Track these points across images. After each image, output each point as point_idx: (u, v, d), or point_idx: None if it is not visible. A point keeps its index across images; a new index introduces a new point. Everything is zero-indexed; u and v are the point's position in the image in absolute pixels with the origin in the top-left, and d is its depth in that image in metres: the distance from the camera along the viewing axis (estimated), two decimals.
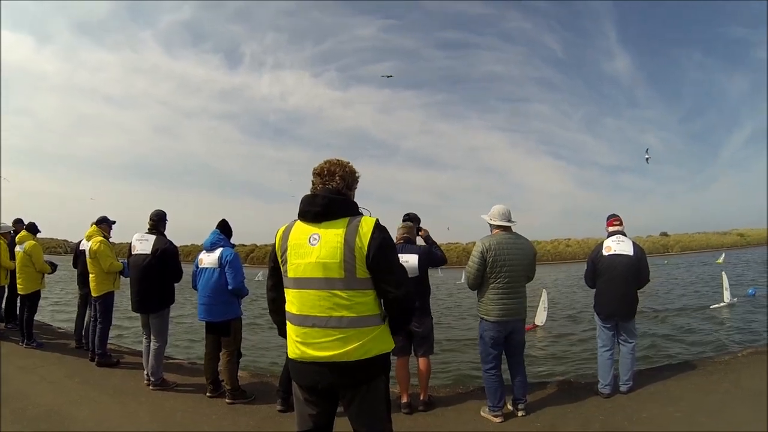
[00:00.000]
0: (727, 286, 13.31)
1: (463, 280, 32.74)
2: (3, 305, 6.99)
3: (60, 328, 7.79)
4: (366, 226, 1.90)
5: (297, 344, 1.95)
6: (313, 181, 2.07)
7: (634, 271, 4.13)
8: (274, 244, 2.06)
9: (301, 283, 1.92)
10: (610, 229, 4.34)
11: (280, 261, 2.02)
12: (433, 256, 4.00)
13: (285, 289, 2.02)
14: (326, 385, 1.93)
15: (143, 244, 4.46)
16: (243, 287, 4.17)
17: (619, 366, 4.19)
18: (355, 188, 2.14)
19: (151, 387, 4.47)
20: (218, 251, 4.15)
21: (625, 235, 4.27)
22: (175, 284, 4.66)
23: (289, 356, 2.00)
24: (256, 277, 25.58)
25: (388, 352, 1.99)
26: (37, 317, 6.43)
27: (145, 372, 4.57)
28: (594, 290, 4.39)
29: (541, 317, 10.06)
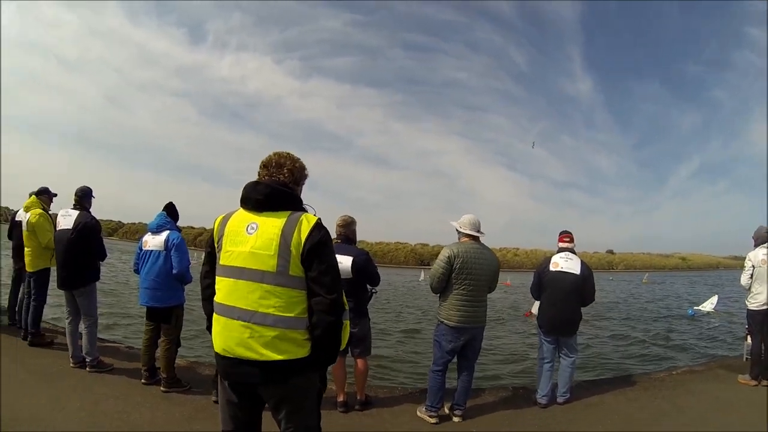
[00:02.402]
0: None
1: (422, 278, 33.41)
2: None
3: None
4: (307, 223, 1.83)
5: (221, 337, 1.86)
6: (259, 172, 2.01)
7: (578, 289, 4.23)
8: (212, 228, 1.99)
9: (232, 272, 1.84)
10: (560, 245, 4.42)
11: (216, 247, 1.95)
12: (371, 270, 3.84)
13: (216, 277, 1.93)
14: (250, 384, 1.85)
15: (66, 219, 4.33)
16: (188, 273, 4.06)
17: (558, 378, 4.30)
18: (303, 185, 2.07)
19: (87, 368, 4.30)
20: (164, 234, 4.02)
21: (575, 253, 4.37)
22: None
23: (214, 349, 1.91)
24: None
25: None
26: None
27: (70, 353, 4.40)
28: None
29: (535, 306, 10.30)
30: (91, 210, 4.47)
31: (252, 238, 1.82)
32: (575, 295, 4.23)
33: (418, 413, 3.80)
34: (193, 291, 3.71)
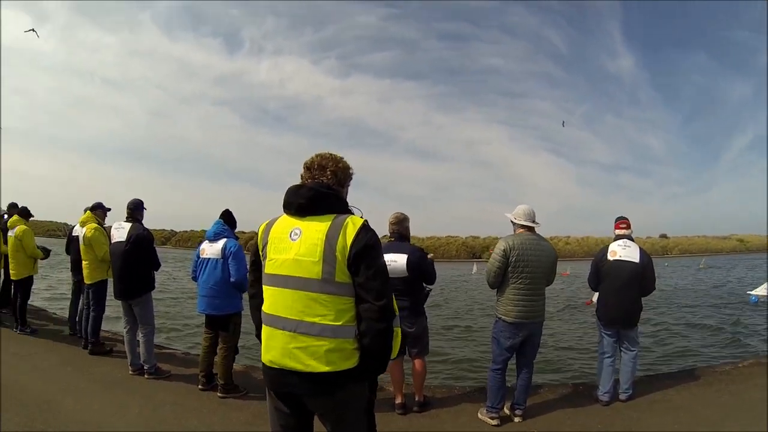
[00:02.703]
0: None
1: (475, 271, 32.91)
2: None
3: (54, 314, 7.76)
4: (352, 226, 1.74)
5: (267, 347, 1.80)
6: (302, 175, 1.94)
7: (638, 278, 4.02)
8: (257, 236, 1.94)
9: (277, 281, 1.78)
10: (617, 232, 4.21)
11: (261, 255, 1.89)
12: (425, 268, 3.77)
13: (263, 286, 1.87)
14: (297, 395, 1.78)
15: (120, 232, 4.46)
16: (246, 281, 4.02)
17: (620, 373, 4.11)
18: (348, 185, 1.99)
19: (146, 375, 4.44)
20: (221, 242, 4.06)
21: (632, 240, 4.16)
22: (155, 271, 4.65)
23: (261, 359, 1.84)
24: None
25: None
26: (33, 302, 6.38)
27: (129, 361, 4.54)
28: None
29: (596, 295, 9.86)
30: (143, 221, 4.59)
31: (296, 244, 1.75)
32: (635, 285, 4.02)
33: (479, 415, 3.71)
34: None
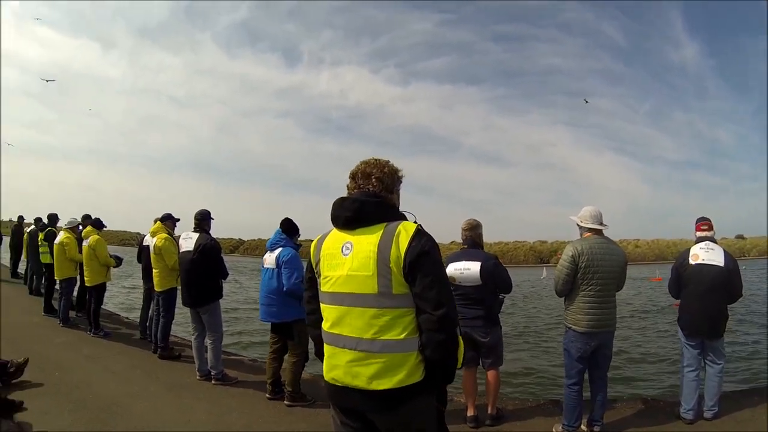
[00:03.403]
0: None
1: (544, 276, 31.97)
2: (75, 294, 7.38)
3: (127, 319, 8.17)
4: (405, 233, 1.64)
5: (328, 365, 1.76)
6: (348, 185, 1.84)
7: (723, 283, 3.70)
8: (309, 253, 1.89)
9: (333, 299, 1.73)
10: (699, 234, 3.91)
11: (315, 272, 1.84)
12: (500, 275, 3.68)
13: (321, 303, 1.82)
14: (361, 411, 1.72)
15: (188, 242, 4.57)
16: (298, 288, 3.95)
17: (704, 389, 3.79)
18: (398, 190, 1.87)
19: (213, 381, 4.55)
20: (277, 251, 4.11)
21: (716, 242, 3.85)
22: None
23: (324, 376, 1.79)
24: None
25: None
26: (107, 307, 6.73)
27: (197, 366, 4.67)
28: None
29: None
30: (210, 231, 4.70)
31: (348, 259, 1.68)
32: (720, 291, 3.71)
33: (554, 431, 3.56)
34: None
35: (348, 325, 1.68)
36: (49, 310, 7.55)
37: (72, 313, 7.25)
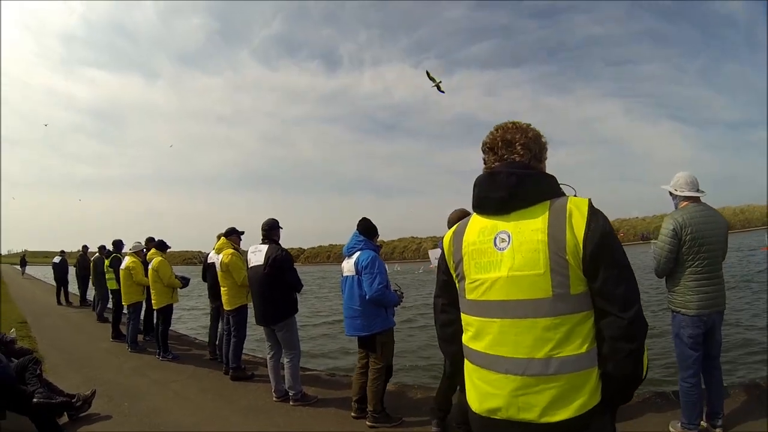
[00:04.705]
0: None
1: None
2: (142, 318, 7.39)
3: (196, 339, 8.10)
4: (578, 212, 1.28)
5: (481, 393, 1.38)
6: (484, 159, 1.50)
7: None
8: (442, 250, 1.54)
9: (488, 309, 1.34)
10: None
11: (453, 275, 1.48)
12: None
13: (462, 314, 1.45)
14: None
15: (257, 255, 4.28)
16: (384, 295, 3.63)
17: None
18: (545, 160, 1.51)
19: (291, 402, 4.27)
20: (355, 256, 3.74)
21: None
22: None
23: (470, 407, 1.42)
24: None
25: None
26: (175, 327, 6.67)
27: (273, 388, 4.40)
28: None
29: None
30: (280, 241, 4.43)
31: (506, 255, 1.31)
32: None
33: (672, 430, 3.13)
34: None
35: (512, 344, 1.30)
36: (117, 335, 7.62)
37: (140, 337, 7.26)
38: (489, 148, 1.48)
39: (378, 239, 3.93)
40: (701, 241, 2.98)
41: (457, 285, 1.47)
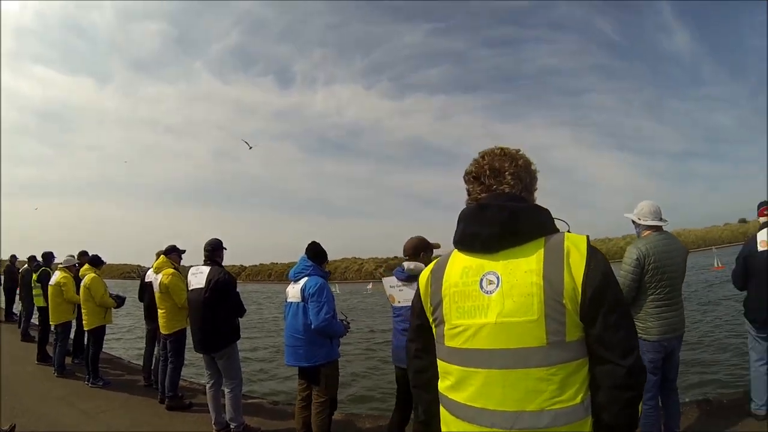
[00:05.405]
0: None
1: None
2: (72, 339, 6.82)
3: (130, 363, 7.55)
4: (576, 250, 1.17)
5: None
6: (469, 190, 1.37)
7: None
8: (417, 290, 1.39)
9: (472, 359, 1.21)
10: (762, 219, 3.71)
11: (430, 318, 1.34)
12: None
13: (439, 361, 1.31)
14: None
15: (198, 277, 3.97)
16: (331, 326, 3.43)
17: None
18: (536, 190, 1.39)
19: None
20: (302, 282, 3.52)
21: None
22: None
23: None
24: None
25: None
26: (108, 348, 6.18)
27: (213, 419, 4.08)
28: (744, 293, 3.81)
29: None
30: (222, 263, 4.15)
31: (495, 299, 1.18)
32: None
33: None
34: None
35: (500, 396, 1.17)
36: (43, 357, 6.94)
37: (68, 360, 6.66)
38: (474, 177, 1.35)
39: (326, 265, 3.74)
40: (663, 269, 3.05)
41: (434, 329, 1.33)
